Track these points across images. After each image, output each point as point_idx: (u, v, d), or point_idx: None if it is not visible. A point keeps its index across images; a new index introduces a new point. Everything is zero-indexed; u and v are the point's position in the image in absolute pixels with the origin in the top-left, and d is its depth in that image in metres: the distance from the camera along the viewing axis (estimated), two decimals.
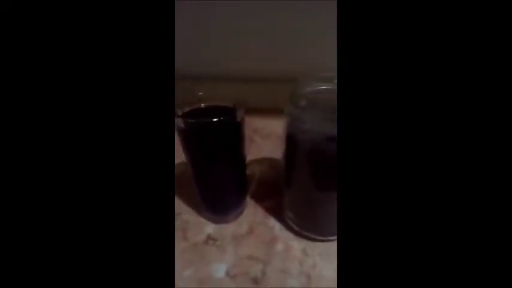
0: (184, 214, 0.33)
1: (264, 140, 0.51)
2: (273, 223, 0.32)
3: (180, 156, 0.28)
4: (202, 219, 0.33)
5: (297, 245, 0.29)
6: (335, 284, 0.25)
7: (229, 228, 0.32)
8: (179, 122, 0.25)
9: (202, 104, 0.29)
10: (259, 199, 0.35)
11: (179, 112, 0.27)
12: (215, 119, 0.24)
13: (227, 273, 0.27)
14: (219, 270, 0.27)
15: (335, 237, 0.29)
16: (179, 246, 0.30)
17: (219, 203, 0.32)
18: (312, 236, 0.29)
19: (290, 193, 0.30)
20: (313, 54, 0.53)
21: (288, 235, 0.30)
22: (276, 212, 0.33)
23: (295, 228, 0.30)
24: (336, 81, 0.25)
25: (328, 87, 0.26)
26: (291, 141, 0.26)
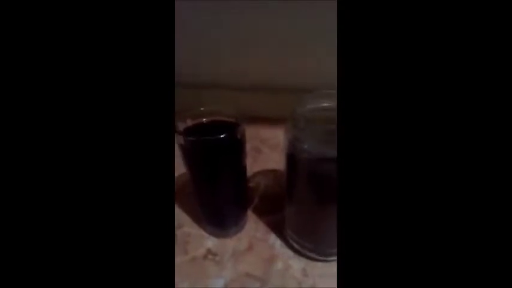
0: (186, 227, 0.34)
1: (272, 150, 0.50)
2: (274, 240, 0.32)
3: (182, 167, 0.28)
4: (203, 233, 0.33)
5: (297, 264, 0.29)
6: None
7: (230, 244, 0.31)
8: (179, 139, 0.25)
9: (204, 119, 0.29)
10: (261, 213, 0.35)
11: (180, 127, 0.27)
12: (214, 137, 0.24)
13: None
14: (217, 285, 0.27)
15: (335, 258, 0.28)
16: (178, 259, 0.30)
17: (219, 218, 0.31)
18: (312, 255, 0.28)
19: (291, 211, 0.29)
20: (325, 65, 0.52)
21: (288, 253, 0.30)
22: (277, 227, 0.33)
23: (295, 246, 0.30)
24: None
25: (330, 104, 0.25)
26: (291, 159, 0.25)
